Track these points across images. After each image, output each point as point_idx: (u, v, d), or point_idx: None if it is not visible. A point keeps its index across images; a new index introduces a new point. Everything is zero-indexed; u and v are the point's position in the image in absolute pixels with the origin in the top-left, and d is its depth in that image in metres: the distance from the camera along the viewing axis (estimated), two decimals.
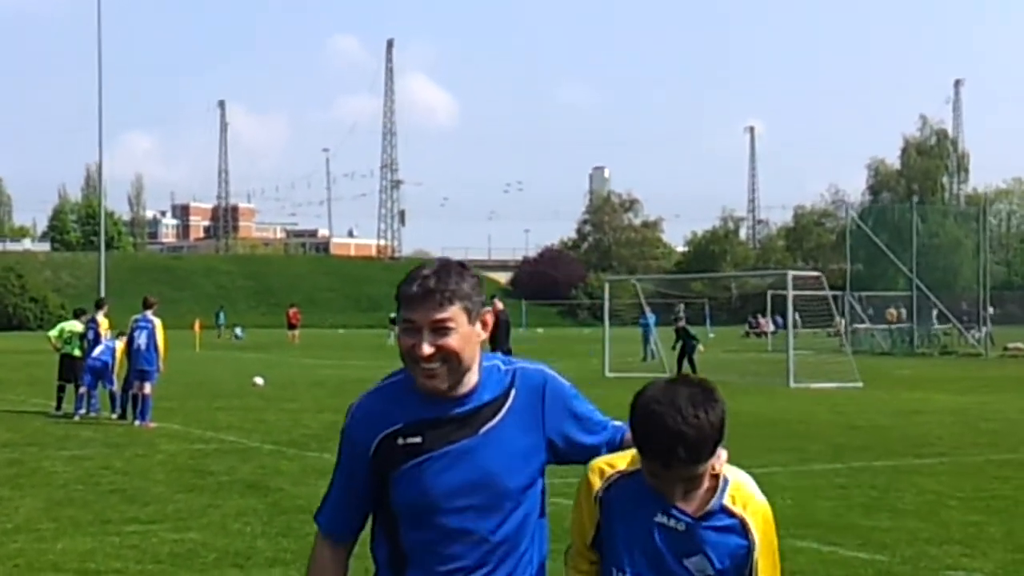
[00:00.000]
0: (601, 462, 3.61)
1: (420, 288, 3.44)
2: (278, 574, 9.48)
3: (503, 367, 3.59)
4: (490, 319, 3.49)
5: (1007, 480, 14.57)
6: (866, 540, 10.90)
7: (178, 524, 11.57)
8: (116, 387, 22.08)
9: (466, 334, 3.43)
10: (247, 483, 14.22)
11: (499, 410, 3.52)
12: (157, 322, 21.49)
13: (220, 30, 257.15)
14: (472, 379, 3.50)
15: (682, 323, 37.60)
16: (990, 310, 72.52)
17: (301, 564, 9.73)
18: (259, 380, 30.08)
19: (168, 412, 22.73)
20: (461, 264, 3.58)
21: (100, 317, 23.14)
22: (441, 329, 3.40)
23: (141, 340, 21.24)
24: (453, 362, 3.41)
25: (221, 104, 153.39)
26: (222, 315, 75.05)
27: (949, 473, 15.23)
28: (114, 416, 21.80)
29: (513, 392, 3.55)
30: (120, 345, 22.03)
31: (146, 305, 21.86)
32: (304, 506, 12.60)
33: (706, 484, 3.45)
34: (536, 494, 3.58)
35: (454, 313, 3.41)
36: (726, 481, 3.48)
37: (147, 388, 20.99)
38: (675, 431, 3.30)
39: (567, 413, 3.68)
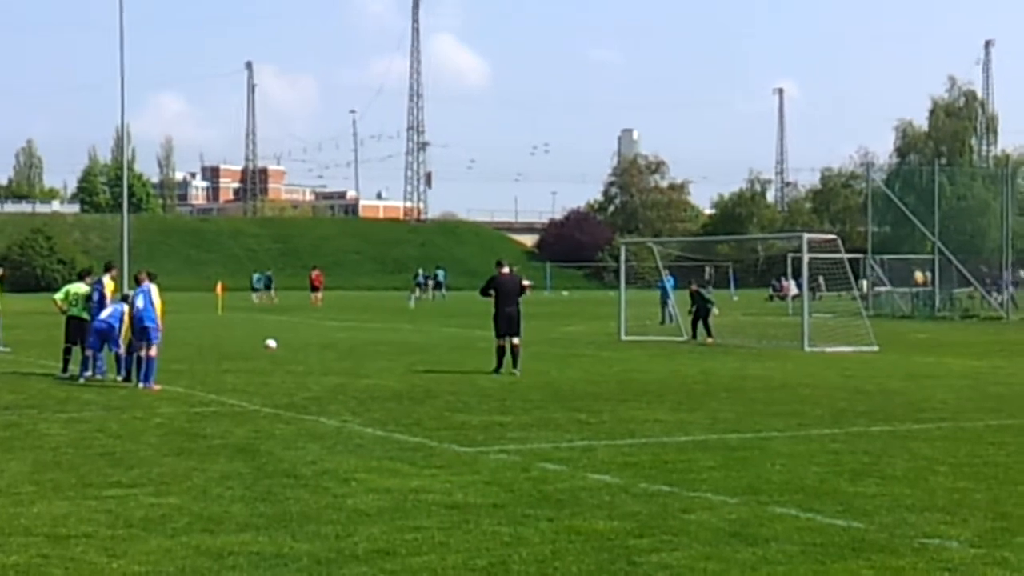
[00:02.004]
0: None
1: None
2: (247, 539, 9.43)
3: None
4: None
5: (1002, 446, 14.43)
6: (848, 506, 10.80)
7: (160, 488, 11.56)
8: (122, 349, 22.10)
9: None
10: (238, 447, 14.21)
11: None
12: (154, 287, 21.63)
13: None
14: None
15: (695, 286, 37.39)
16: (1022, 273, 72.11)
17: (273, 529, 9.78)
18: (271, 343, 30.12)
19: (175, 375, 22.80)
20: None
21: (107, 280, 23.19)
22: None
23: (139, 302, 21.34)
24: None
25: (248, 65, 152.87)
26: (256, 278, 74.82)
27: (945, 438, 15.08)
28: (119, 379, 21.84)
29: None
30: (127, 308, 22.05)
31: (137, 282, 22.07)
32: (288, 470, 12.62)
33: None
34: None
35: None
36: None
37: (152, 351, 21.02)
38: None
39: None
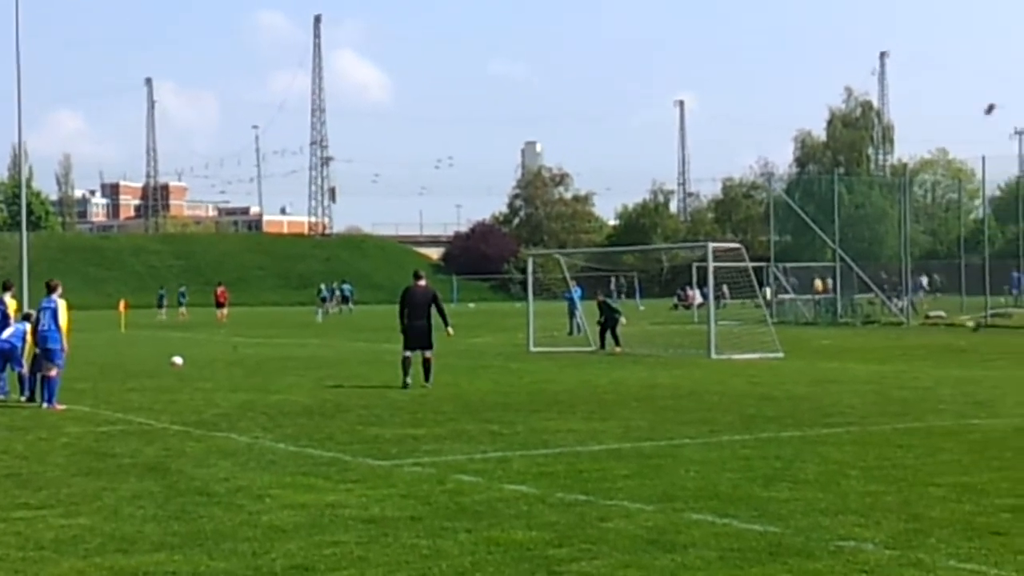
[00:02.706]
0: None
1: None
2: (162, 558, 9.29)
3: None
4: None
5: (910, 449, 14.65)
6: (763, 511, 10.89)
7: (69, 509, 11.34)
8: (25, 369, 21.71)
9: None
10: (148, 466, 14.00)
11: None
12: (61, 303, 21.24)
13: (145, 4, 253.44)
14: None
15: (601, 297, 37.67)
16: (924, 279, 73.44)
17: (188, 548, 9.63)
18: (178, 360, 29.76)
19: (79, 394, 22.43)
20: None
21: (7, 299, 22.75)
22: None
23: (46, 320, 20.98)
24: None
25: (148, 81, 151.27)
26: (164, 295, 74.01)
27: (854, 443, 15.29)
28: (23, 399, 21.44)
29: None
30: (29, 327, 21.67)
31: (49, 289, 21.64)
32: (201, 488, 12.45)
33: None
34: None
35: None
36: None
37: (53, 371, 20.67)
38: None
39: None
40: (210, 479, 12.98)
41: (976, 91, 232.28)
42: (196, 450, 15.29)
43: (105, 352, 36.49)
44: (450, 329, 24.71)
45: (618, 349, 34.60)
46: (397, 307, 24.56)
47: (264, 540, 9.89)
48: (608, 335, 35.56)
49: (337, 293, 79.84)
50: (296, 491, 12.16)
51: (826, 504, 11.18)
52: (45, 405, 20.36)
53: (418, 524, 10.46)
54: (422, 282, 24.53)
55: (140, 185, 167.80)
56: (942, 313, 53.65)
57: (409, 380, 23.35)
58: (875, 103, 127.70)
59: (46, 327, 20.90)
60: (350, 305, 79.19)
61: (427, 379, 23.46)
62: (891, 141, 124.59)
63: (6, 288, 23.31)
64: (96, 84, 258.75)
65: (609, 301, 37.84)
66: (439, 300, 24.56)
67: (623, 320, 36.46)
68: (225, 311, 67.20)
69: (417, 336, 23.74)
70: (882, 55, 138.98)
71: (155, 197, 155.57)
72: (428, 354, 23.79)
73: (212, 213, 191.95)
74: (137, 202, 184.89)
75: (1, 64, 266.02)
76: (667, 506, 11.15)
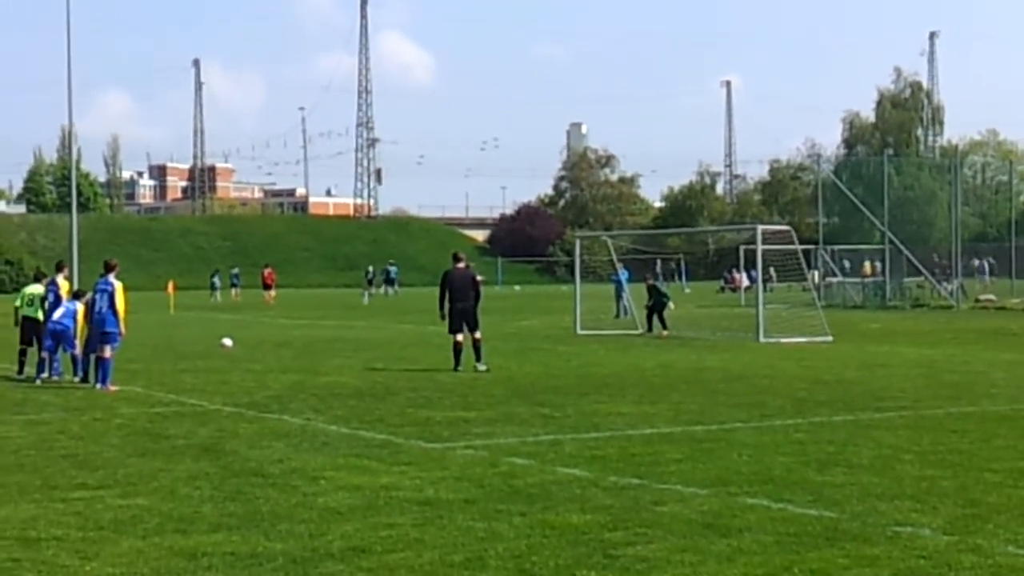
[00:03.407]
0: None
1: None
2: (220, 539, 9.36)
3: None
4: None
5: (965, 434, 14.55)
6: (818, 496, 10.85)
7: (127, 489, 11.45)
8: (78, 350, 21.88)
9: None
10: (202, 447, 14.11)
11: None
12: (118, 285, 21.32)
13: None
14: None
15: (651, 280, 37.61)
16: (976, 262, 72.82)
17: (245, 529, 9.71)
18: (227, 341, 29.91)
19: (132, 375, 22.61)
20: None
21: (60, 280, 22.96)
22: None
23: (103, 303, 21.10)
24: None
25: (196, 63, 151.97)
26: (217, 278, 74.17)
27: (908, 427, 15.20)
28: (76, 380, 21.62)
29: None
30: (81, 308, 21.83)
31: (107, 268, 21.68)
32: (256, 469, 12.53)
33: None
34: None
35: None
36: None
37: (108, 352, 20.81)
38: None
39: None
40: (264, 460, 13.06)
41: None
42: (249, 431, 15.39)
43: (156, 333, 36.74)
44: (479, 314, 24.26)
45: (665, 333, 34.54)
46: (438, 290, 24.36)
47: (320, 522, 9.95)
48: (656, 318, 35.49)
49: (379, 276, 79.22)
50: (350, 473, 12.22)
51: (882, 489, 11.13)
52: (99, 386, 20.52)
53: (472, 507, 10.49)
54: (462, 264, 24.40)
55: (187, 167, 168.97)
56: (992, 297, 53.19)
57: (461, 366, 23.27)
58: (925, 83, 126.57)
59: (103, 309, 21.00)
60: (395, 288, 79.19)
61: (478, 359, 23.38)
62: (941, 122, 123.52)
63: (59, 269, 23.52)
64: (144, 66, 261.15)
65: (658, 285, 37.76)
66: (478, 283, 24.41)
67: (671, 305, 36.39)
68: (273, 292, 67.54)
69: (464, 317, 23.64)
70: (932, 35, 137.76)
71: (202, 179, 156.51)
72: (477, 335, 23.73)
73: (258, 195, 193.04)
74: (184, 184, 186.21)
75: (51, 46, 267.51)
76: (721, 490, 11.13)
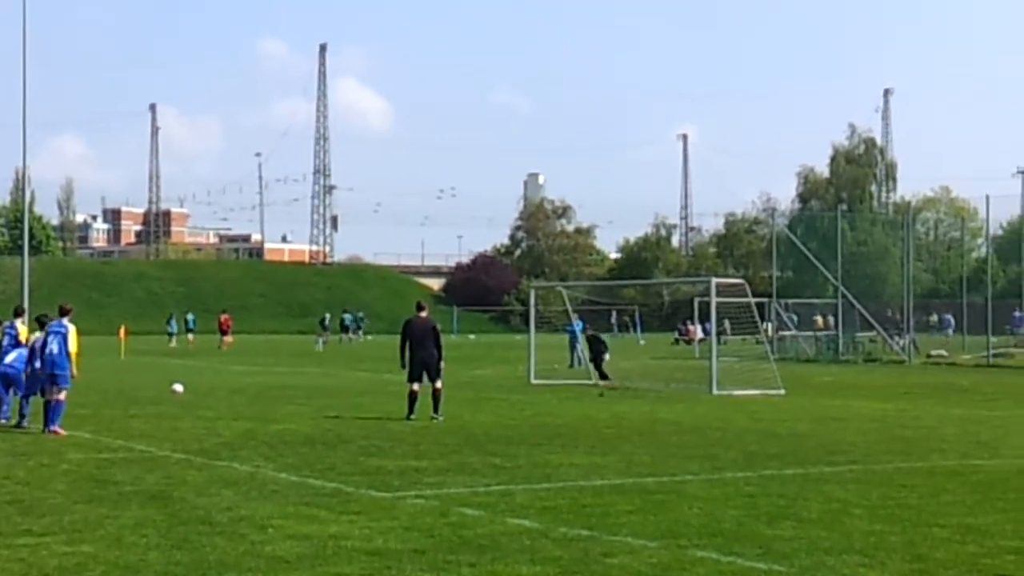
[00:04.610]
0: None
1: None
2: None
3: None
4: None
5: (914, 488, 14.63)
6: (767, 550, 10.87)
7: (72, 536, 11.32)
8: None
9: None
10: (150, 494, 13.98)
11: None
12: (72, 328, 21.27)
13: (149, 30, 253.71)
14: None
15: (591, 331, 38.11)
16: (936, 317, 73.36)
17: None
18: (178, 387, 29.71)
19: (80, 420, 22.41)
20: None
21: (19, 324, 22.77)
22: None
23: (54, 345, 21.00)
24: None
25: (152, 107, 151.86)
26: (173, 322, 73.60)
27: (858, 481, 15.27)
28: (13, 423, 21.52)
29: None
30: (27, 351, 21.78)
31: (62, 312, 21.68)
32: (203, 516, 12.42)
33: None
34: None
35: None
36: None
37: (61, 395, 20.70)
38: None
39: None
40: (212, 508, 12.95)
41: (979, 129, 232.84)
42: (198, 479, 15.26)
43: (106, 378, 36.45)
44: (442, 363, 24.33)
45: (603, 383, 34.65)
46: (399, 339, 24.37)
47: (268, 571, 9.87)
48: (593, 369, 36.02)
49: (347, 323, 79.56)
50: (299, 521, 12.14)
51: (830, 543, 11.16)
52: (47, 429, 20.34)
53: (421, 557, 10.44)
54: (424, 313, 24.43)
55: (142, 211, 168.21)
56: (944, 352, 53.62)
57: (414, 415, 23.22)
58: (878, 140, 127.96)
59: (54, 352, 20.92)
60: (360, 334, 79.32)
61: (436, 410, 23.38)
62: (894, 178, 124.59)
63: (17, 314, 23.33)
64: (99, 109, 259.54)
65: (599, 335, 38.32)
66: (438, 333, 24.37)
67: (607, 356, 36.63)
68: (229, 338, 67.13)
69: (424, 367, 23.62)
70: (886, 92, 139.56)
71: (157, 223, 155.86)
72: (438, 384, 23.72)
73: (213, 240, 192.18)
74: (138, 228, 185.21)
75: (6, 88, 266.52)
76: (671, 543, 11.12)
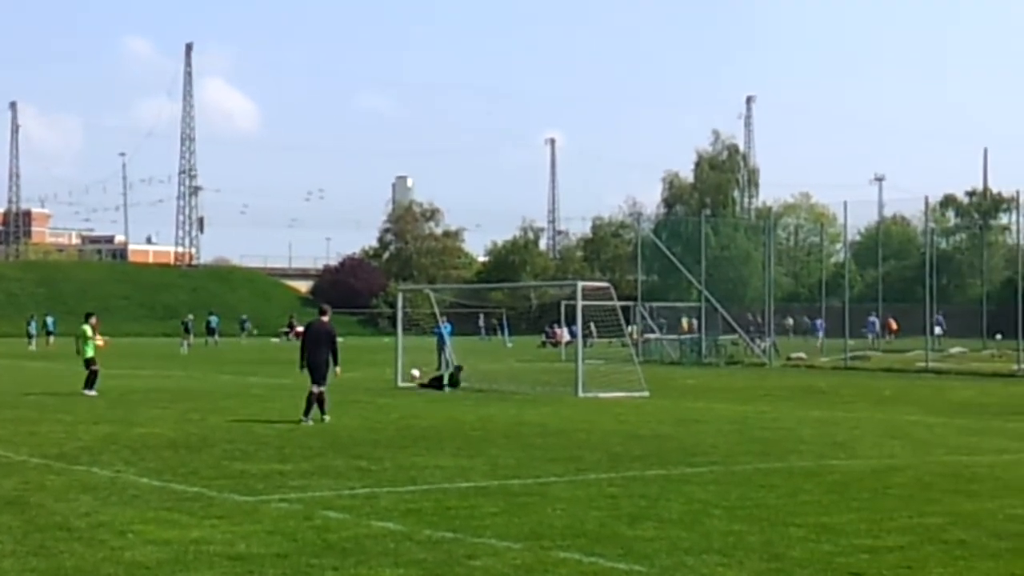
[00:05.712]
0: None
1: None
2: None
3: None
4: None
5: (772, 488, 14.94)
6: (628, 550, 11.02)
7: None
8: None
9: None
10: (6, 499, 13.69)
11: None
12: None
13: (8, 27, 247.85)
14: None
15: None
16: (790, 321, 74.81)
17: None
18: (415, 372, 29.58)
19: None
20: None
21: None
22: None
23: None
24: None
25: (12, 105, 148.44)
26: (33, 324, 71.83)
27: (718, 482, 15.54)
28: None
29: None
30: None
31: None
32: (61, 522, 12.21)
33: None
34: None
35: None
36: None
37: None
38: None
39: None
40: (71, 514, 12.73)
41: (838, 137, 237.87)
42: (56, 484, 14.99)
43: None
44: (338, 369, 24.21)
45: (417, 373, 36.00)
46: (299, 341, 24.44)
47: None
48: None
49: (214, 324, 78.63)
50: (159, 527, 11.99)
51: (690, 543, 11.35)
52: None
53: (284, 561, 10.39)
54: (325, 317, 24.57)
55: (1, 211, 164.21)
56: (803, 355, 54.73)
57: (311, 419, 23.12)
58: (741, 146, 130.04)
59: None
60: (216, 338, 78.24)
61: (322, 412, 23.43)
62: (756, 185, 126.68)
63: None
64: None
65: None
66: (334, 337, 24.26)
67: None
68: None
69: (317, 370, 23.59)
70: (748, 99, 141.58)
71: (16, 224, 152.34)
72: (323, 388, 23.66)
73: (76, 241, 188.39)
74: None
75: None
76: (535, 544, 11.22)
